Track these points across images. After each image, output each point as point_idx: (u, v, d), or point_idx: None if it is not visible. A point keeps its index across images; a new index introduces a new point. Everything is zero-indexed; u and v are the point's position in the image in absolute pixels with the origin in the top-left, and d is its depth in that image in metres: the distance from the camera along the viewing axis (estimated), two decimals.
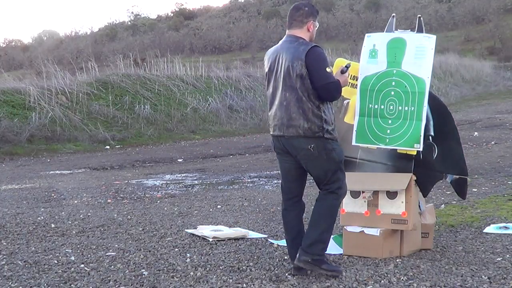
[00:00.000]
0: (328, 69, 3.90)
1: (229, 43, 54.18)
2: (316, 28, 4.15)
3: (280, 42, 4.12)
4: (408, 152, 4.41)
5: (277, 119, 4.05)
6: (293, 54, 3.93)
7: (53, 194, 8.07)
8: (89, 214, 6.53)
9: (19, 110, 14.93)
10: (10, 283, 4.05)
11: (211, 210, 6.56)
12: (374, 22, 46.75)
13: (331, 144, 3.95)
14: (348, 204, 4.52)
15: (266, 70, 4.12)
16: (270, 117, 4.15)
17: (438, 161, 4.47)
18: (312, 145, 3.91)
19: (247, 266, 4.25)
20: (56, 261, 4.56)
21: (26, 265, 4.47)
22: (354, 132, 4.52)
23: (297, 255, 3.95)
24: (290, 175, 4.14)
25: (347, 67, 4.20)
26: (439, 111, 4.52)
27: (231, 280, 3.94)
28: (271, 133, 4.17)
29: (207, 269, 4.22)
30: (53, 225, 5.95)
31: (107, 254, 4.75)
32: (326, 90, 3.90)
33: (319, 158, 3.93)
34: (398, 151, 4.45)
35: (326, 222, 3.98)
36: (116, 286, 3.95)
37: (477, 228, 5.15)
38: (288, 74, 3.93)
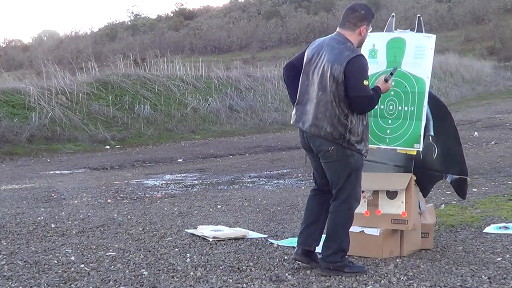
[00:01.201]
0: (365, 82, 3.84)
1: (229, 43, 54.20)
2: (369, 32, 4.08)
3: (329, 37, 4.04)
4: (408, 152, 4.41)
5: (305, 114, 3.99)
6: (336, 56, 3.87)
7: (53, 194, 8.07)
8: (89, 214, 6.53)
9: (19, 110, 14.93)
10: (10, 283, 4.05)
11: (211, 210, 6.56)
12: (374, 22, 46.36)
13: (351, 151, 3.92)
14: None
15: (305, 60, 4.04)
16: (298, 108, 4.07)
17: (438, 161, 4.47)
18: (332, 148, 3.90)
19: (247, 266, 4.25)
20: (56, 261, 4.56)
21: (26, 265, 4.47)
22: None
23: (320, 264, 4.04)
24: (319, 172, 4.15)
25: (392, 73, 4.13)
26: (439, 111, 4.52)
27: (231, 280, 3.94)
28: (295, 124, 4.10)
29: (207, 269, 4.22)
30: (53, 225, 5.94)
31: (107, 254, 4.75)
32: (357, 103, 3.87)
33: (337, 162, 3.93)
34: (398, 151, 4.45)
35: (344, 232, 4.00)
36: (116, 286, 3.95)
37: (477, 228, 5.15)
38: (326, 75, 3.87)
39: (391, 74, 4.13)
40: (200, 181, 9.05)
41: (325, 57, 3.91)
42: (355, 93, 3.82)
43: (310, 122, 3.95)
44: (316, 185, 4.24)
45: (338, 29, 4.01)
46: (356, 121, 3.89)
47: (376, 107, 4.44)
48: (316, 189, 4.24)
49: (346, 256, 4.05)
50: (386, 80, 4.07)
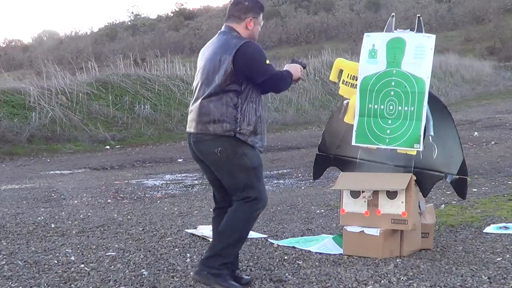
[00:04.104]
0: (267, 62, 3.62)
1: None
2: (260, 26, 3.78)
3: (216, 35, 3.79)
4: (408, 152, 4.41)
5: (192, 115, 3.71)
6: (222, 47, 3.63)
7: (53, 194, 8.06)
8: (89, 214, 6.53)
9: (19, 110, 14.93)
10: (10, 283, 4.05)
11: (211, 210, 6.53)
12: (374, 22, 46.72)
13: (242, 148, 3.59)
14: (348, 204, 4.52)
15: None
16: (189, 113, 3.80)
17: (438, 161, 4.47)
18: (219, 149, 3.57)
19: (247, 266, 4.25)
20: (56, 261, 4.56)
21: (26, 265, 4.47)
22: (354, 132, 4.52)
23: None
24: (215, 185, 3.82)
25: (304, 67, 3.99)
26: (439, 111, 4.52)
27: None
28: (187, 131, 3.80)
29: None
30: (53, 225, 5.94)
31: (107, 254, 4.75)
32: (270, 85, 3.67)
33: (229, 164, 3.58)
34: (398, 151, 4.46)
35: (235, 236, 3.61)
36: (116, 286, 3.95)
37: (477, 228, 5.15)
38: (211, 67, 3.62)
39: (303, 66, 3.98)
40: (200, 181, 9.05)
41: (211, 50, 3.68)
42: (263, 77, 3.60)
43: (196, 120, 3.65)
44: (216, 203, 3.90)
45: (224, 24, 3.78)
46: (246, 110, 3.59)
47: (376, 107, 4.45)
48: (218, 208, 3.88)
49: (227, 266, 3.65)
50: (304, 67, 3.97)
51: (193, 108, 3.73)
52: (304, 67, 4.01)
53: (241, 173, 3.61)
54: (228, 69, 3.56)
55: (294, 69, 3.89)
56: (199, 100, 3.67)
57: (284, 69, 3.88)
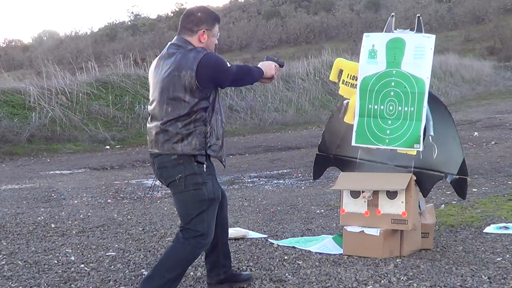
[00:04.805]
0: (228, 65, 3.44)
1: (229, 43, 54.13)
2: (215, 38, 3.59)
3: (166, 47, 3.54)
4: (408, 152, 4.42)
5: (153, 135, 3.45)
6: (179, 62, 3.38)
7: (53, 194, 8.07)
8: (89, 214, 6.53)
9: (19, 110, 14.93)
10: (10, 283, 4.05)
11: None
12: (374, 22, 46.72)
13: (204, 176, 3.41)
14: (348, 204, 4.52)
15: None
16: (148, 131, 3.55)
17: (438, 161, 4.47)
18: (179, 176, 3.36)
19: (247, 266, 4.25)
20: (56, 261, 4.56)
21: (26, 265, 4.47)
22: (354, 133, 4.52)
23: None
24: None
25: (281, 65, 3.81)
26: (439, 111, 4.52)
27: None
28: (149, 151, 3.55)
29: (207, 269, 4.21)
30: (53, 225, 5.95)
31: (107, 254, 4.75)
32: (237, 81, 3.55)
33: (185, 192, 3.39)
34: (398, 151, 4.46)
35: (176, 271, 3.40)
36: (116, 286, 3.96)
37: (477, 228, 5.15)
38: (172, 85, 3.37)
39: (280, 65, 3.81)
40: None
41: (167, 66, 3.42)
42: (228, 80, 3.45)
43: (162, 139, 3.39)
44: None
45: (175, 37, 3.55)
46: (214, 124, 3.44)
47: (376, 107, 4.45)
48: None
49: None
50: (281, 66, 3.79)
51: (152, 127, 3.47)
52: (281, 66, 3.82)
53: (195, 204, 3.39)
54: (192, 86, 3.33)
55: (267, 66, 3.70)
56: (164, 120, 3.40)
57: (258, 65, 3.72)
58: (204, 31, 3.49)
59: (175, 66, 3.40)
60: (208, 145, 3.43)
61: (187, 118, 3.37)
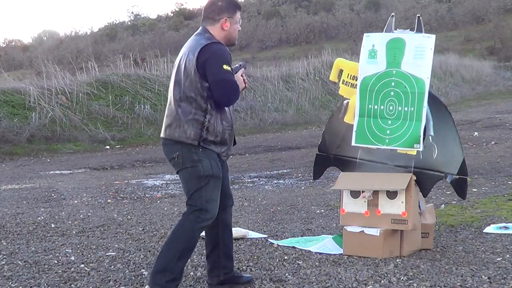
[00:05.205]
0: (225, 67, 3.42)
1: None
2: (238, 25, 3.64)
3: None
4: (408, 152, 4.42)
5: (165, 118, 3.61)
6: (191, 47, 3.52)
7: (53, 194, 8.07)
8: (89, 214, 6.53)
9: (19, 110, 14.93)
10: (10, 283, 4.05)
11: None
12: (374, 22, 46.72)
13: (199, 154, 3.47)
14: (348, 204, 4.52)
15: None
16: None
17: (438, 161, 4.47)
18: (177, 153, 3.49)
19: (247, 266, 4.25)
20: (56, 261, 4.56)
21: (26, 265, 4.47)
22: (354, 133, 4.52)
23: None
24: None
25: (242, 67, 3.73)
26: (439, 111, 4.52)
27: None
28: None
29: (207, 269, 4.21)
30: (53, 225, 5.95)
31: (107, 254, 4.75)
32: (219, 89, 3.42)
33: (184, 170, 3.51)
34: (398, 151, 4.46)
35: (178, 247, 3.48)
36: (116, 286, 3.95)
37: (477, 228, 5.15)
38: (181, 69, 3.51)
39: (242, 66, 3.73)
40: None
41: (182, 51, 3.58)
42: (214, 77, 3.41)
43: (166, 124, 3.56)
44: None
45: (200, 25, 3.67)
46: (214, 120, 3.48)
47: (376, 107, 4.45)
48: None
49: (175, 284, 3.48)
50: (245, 68, 3.74)
51: (166, 112, 3.63)
52: (245, 68, 3.76)
53: (193, 181, 3.50)
54: (192, 70, 3.44)
55: (238, 80, 3.62)
56: (171, 102, 3.56)
57: None
58: (226, 19, 3.58)
59: (186, 49, 3.55)
60: (203, 138, 3.48)
61: (186, 103, 3.47)
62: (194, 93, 3.46)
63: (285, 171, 9.62)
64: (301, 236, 5.13)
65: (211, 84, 3.44)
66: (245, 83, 3.71)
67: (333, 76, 4.82)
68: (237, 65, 3.76)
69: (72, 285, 3.98)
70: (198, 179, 3.49)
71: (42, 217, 6.36)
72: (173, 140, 3.51)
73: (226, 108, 3.60)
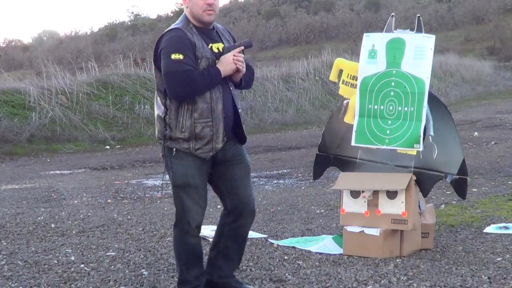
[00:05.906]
0: (174, 56, 3.12)
1: None
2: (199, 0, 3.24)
3: None
4: (408, 152, 4.42)
5: None
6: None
7: (53, 194, 8.06)
8: (89, 214, 6.53)
9: (19, 110, 14.93)
10: (10, 283, 4.05)
11: (211, 210, 6.55)
12: (374, 22, 46.69)
13: (172, 160, 3.29)
14: (348, 204, 4.52)
15: None
16: None
17: (438, 161, 4.47)
18: (161, 154, 3.42)
19: (247, 266, 4.25)
20: (56, 261, 4.56)
21: (26, 265, 4.47)
22: (354, 133, 4.52)
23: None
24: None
25: (246, 46, 3.34)
26: (439, 111, 4.52)
27: None
28: None
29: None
30: (53, 225, 5.95)
31: (107, 254, 4.75)
32: (166, 80, 3.16)
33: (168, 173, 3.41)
34: (398, 151, 4.46)
35: (181, 259, 3.43)
36: (116, 286, 3.96)
37: (477, 228, 5.15)
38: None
39: (236, 47, 3.31)
40: None
41: None
42: (163, 70, 3.17)
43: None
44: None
45: None
46: (176, 115, 3.21)
47: (376, 107, 4.45)
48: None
49: None
50: (247, 46, 3.31)
51: None
52: (247, 46, 3.31)
53: (173, 187, 3.40)
54: (154, 65, 3.31)
55: (224, 63, 3.25)
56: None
57: (217, 65, 3.28)
58: None
59: None
60: (168, 136, 3.27)
61: (157, 99, 3.32)
62: (157, 89, 3.30)
63: (285, 171, 9.62)
64: (301, 236, 5.13)
65: (163, 77, 3.20)
66: (236, 65, 3.25)
67: (333, 76, 4.82)
68: (235, 44, 3.35)
69: (72, 285, 3.98)
70: (173, 188, 3.39)
71: (42, 217, 6.36)
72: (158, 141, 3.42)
73: (211, 100, 3.24)
